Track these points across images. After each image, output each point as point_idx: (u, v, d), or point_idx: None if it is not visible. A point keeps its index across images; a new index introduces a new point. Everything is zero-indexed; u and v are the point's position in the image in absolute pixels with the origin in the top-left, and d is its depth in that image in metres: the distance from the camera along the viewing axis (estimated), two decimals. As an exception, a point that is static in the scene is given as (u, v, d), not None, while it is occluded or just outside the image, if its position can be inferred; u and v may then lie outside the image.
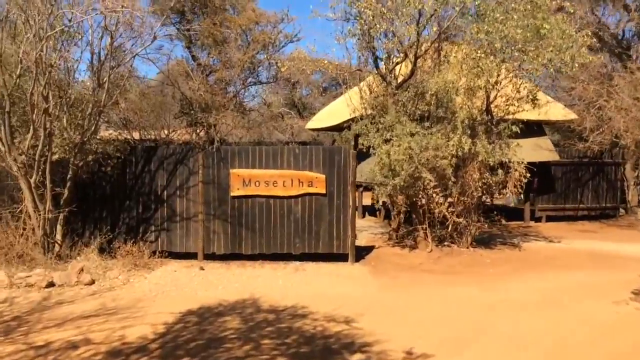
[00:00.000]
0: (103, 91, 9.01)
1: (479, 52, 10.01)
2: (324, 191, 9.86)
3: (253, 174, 9.88)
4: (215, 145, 9.89)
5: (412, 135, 9.60)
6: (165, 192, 10.12)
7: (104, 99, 9.03)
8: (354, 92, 11.93)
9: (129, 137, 10.53)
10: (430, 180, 9.61)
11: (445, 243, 11.08)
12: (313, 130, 20.44)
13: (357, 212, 11.89)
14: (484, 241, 11.71)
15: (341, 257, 10.03)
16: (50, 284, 8.05)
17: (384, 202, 12.93)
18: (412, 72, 10.36)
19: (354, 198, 9.94)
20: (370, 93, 11.04)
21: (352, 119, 11.68)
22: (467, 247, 11.03)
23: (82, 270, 8.27)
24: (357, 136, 11.33)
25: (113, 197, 10.12)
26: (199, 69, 11.58)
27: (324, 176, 9.85)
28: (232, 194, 9.94)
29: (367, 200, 17.45)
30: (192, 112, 10.64)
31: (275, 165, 9.91)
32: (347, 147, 9.90)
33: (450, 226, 10.78)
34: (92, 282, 8.24)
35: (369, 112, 11.25)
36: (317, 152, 9.90)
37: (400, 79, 10.62)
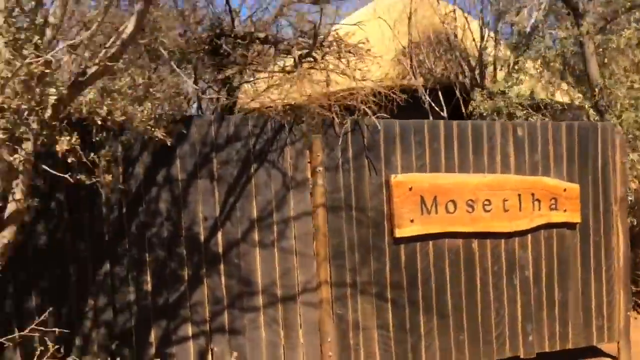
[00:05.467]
0: None
1: None
2: (576, 218, 4.66)
3: (442, 185, 4.29)
4: (354, 117, 4.10)
5: None
6: (218, 235, 3.96)
7: None
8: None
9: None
10: None
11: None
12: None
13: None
14: None
15: (592, 352, 4.89)
16: None
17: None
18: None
19: (626, 231, 4.87)
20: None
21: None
22: None
23: None
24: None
25: (72, 251, 3.70)
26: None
27: (577, 187, 4.67)
28: (397, 233, 4.19)
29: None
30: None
31: (478, 165, 4.46)
32: (610, 123, 4.83)
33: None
34: None
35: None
36: (556, 134, 4.66)
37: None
